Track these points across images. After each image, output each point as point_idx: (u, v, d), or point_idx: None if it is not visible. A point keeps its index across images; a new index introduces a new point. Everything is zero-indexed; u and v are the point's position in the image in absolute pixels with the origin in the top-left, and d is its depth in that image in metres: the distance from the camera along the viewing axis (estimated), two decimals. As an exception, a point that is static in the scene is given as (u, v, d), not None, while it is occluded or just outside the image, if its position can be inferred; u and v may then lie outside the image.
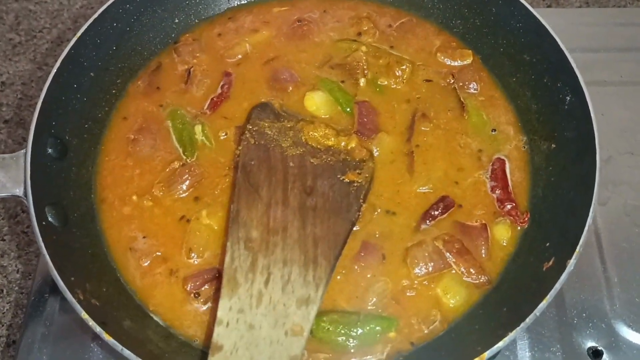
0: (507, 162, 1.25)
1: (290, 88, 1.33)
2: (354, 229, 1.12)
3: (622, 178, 1.37)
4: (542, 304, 0.98)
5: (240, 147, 1.19)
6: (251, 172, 1.12)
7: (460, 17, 1.37)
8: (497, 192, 1.21)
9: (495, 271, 1.15)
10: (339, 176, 1.16)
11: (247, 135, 1.20)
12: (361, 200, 1.14)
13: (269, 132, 1.21)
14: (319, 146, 1.20)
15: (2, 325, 1.33)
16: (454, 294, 1.12)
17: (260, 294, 0.98)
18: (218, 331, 0.94)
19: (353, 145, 1.21)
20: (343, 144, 1.21)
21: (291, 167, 1.14)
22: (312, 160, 1.17)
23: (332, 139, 1.22)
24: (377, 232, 1.16)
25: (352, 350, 1.07)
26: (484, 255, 1.15)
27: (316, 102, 1.31)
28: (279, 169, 1.14)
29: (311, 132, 1.21)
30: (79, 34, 1.23)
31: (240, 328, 0.94)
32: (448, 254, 1.14)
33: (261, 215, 1.06)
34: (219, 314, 0.95)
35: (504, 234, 1.18)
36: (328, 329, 1.07)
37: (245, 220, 1.05)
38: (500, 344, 0.96)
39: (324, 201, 1.10)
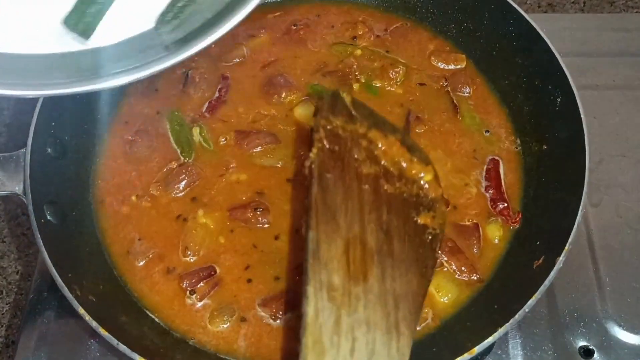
0: (501, 163, 1.26)
1: (284, 94, 1.34)
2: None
3: (614, 180, 1.38)
4: (531, 300, 1.00)
5: (313, 150, 0.93)
6: (328, 189, 0.89)
7: (453, 22, 1.39)
8: (490, 191, 1.23)
9: (487, 269, 1.16)
10: (413, 216, 0.97)
11: (322, 135, 0.94)
12: (437, 254, 0.97)
13: (342, 135, 0.96)
14: (392, 168, 0.98)
15: (2, 326, 1.34)
16: (446, 292, 1.13)
17: None
18: None
19: (429, 178, 1.01)
20: (420, 174, 1.01)
21: (367, 191, 0.92)
22: (385, 187, 0.95)
23: (407, 163, 1.00)
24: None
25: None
26: (476, 254, 1.17)
27: (304, 113, 1.32)
28: (355, 190, 0.92)
29: (385, 147, 0.99)
30: (79, 36, 1.25)
31: None
32: (440, 252, 1.15)
33: (341, 254, 0.86)
34: None
35: (496, 233, 1.19)
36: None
37: (326, 258, 0.84)
38: (490, 339, 0.98)
39: (401, 247, 0.91)
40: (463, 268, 1.14)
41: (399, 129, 1.06)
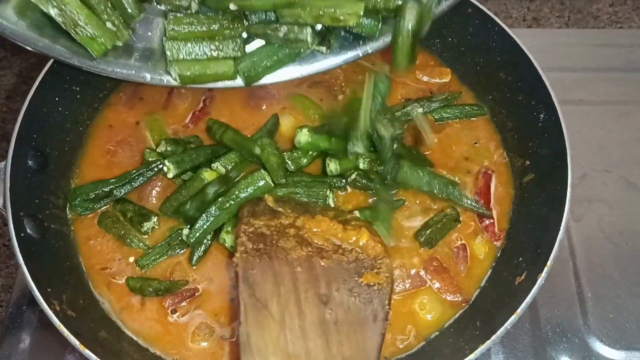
0: (493, 177, 1.27)
1: (264, 106, 1.34)
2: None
3: (597, 195, 1.39)
4: (513, 317, 1.00)
5: (236, 255, 0.99)
6: (255, 283, 0.94)
7: (438, 36, 1.39)
8: (479, 203, 1.24)
9: (472, 288, 1.17)
10: (356, 279, 0.99)
11: (243, 239, 1.01)
12: (387, 307, 0.97)
13: (267, 232, 1.03)
14: (326, 245, 1.03)
15: (-20, 339, 1.33)
16: (430, 310, 1.14)
17: None
18: None
19: (365, 240, 1.05)
20: (353, 239, 1.05)
21: (299, 272, 0.97)
22: (322, 263, 1.00)
23: (340, 234, 1.05)
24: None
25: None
26: (463, 274, 1.17)
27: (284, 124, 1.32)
28: (286, 276, 0.96)
29: (315, 229, 1.05)
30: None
31: None
32: (424, 272, 1.16)
33: (276, 338, 0.88)
34: None
35: (482, 249, 1.20)
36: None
37: (260, 346, 0.87)
38: (472, 356, 0.98)
39: (345, 311, 0.94)
40: (447, 287, 1.15)
41: (329, 207, 1.16)
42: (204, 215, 1.14)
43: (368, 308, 0.95)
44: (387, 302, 0.98)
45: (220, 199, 1.15)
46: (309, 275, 0.97)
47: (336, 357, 0.88)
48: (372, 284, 0.99)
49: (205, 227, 1.15)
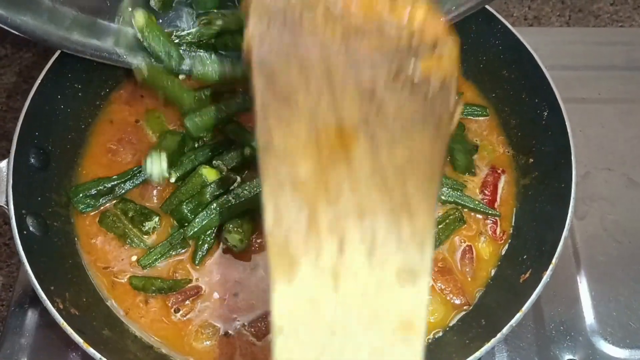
0: (502, 177, 1.27)
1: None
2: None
3: (600, 193, 1.38)
4: (518, 315, 0.99)
5: (246, 33, 0.74)
6: (274, 73, 0.71)
7: (441, 34, 1.39)
8: (484, 201, 1.24)
9: (477, 289, 1.16)
10: (409, 66, 0.73)
11: (255, 11, 0.74)
12: (452, 100, 0.74)
13: (288, 7, 0.75)
14: (368, 24, 0.75)
15: (-18, 338, 1.32)
16: (433, 311, 1.13)
17: (335, 272, 0.61)
18: (282, 345, 0.59)
19: (422, 14, 0.76)
20: (404, 16, 0.76)
21: (333, 58, 0.72)
22: (363, 47, 0.73)
23: (386, 9, 0.76)
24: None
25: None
26: (468, 276, 1.17)
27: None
28: (315, 61, 0.72)
29: (353, 2, 0.76)
30: (63, 46, 1.24)
31: (319, 334, 0.59)
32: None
33: (307, 139, 0.68)
34: (276, 315, 0.60)
35: (486, 250, 1.20)
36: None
37: (284, 149, 0.67)
38: (477, 354, 0.97)
39: (397, 109, 0.71)
40: (451, 289, 1.14)
41: None
42: (204, 211, 1.14)
43: (426, 105, 0.73)
44: (452, 94, 0.75)
45: (222, 198, 1.15)
46: (347, 62, 0.73)
47: (386, 166, 0.68)
48: (430, 72, 0.74)
49: (204, 222, 1.14)
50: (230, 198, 1.15)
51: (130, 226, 1.19)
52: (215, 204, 1.15)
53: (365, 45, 0.74)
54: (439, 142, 0.71)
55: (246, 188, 1.16)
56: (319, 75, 0.71)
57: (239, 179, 1.19)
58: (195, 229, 1.15)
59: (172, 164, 1.18)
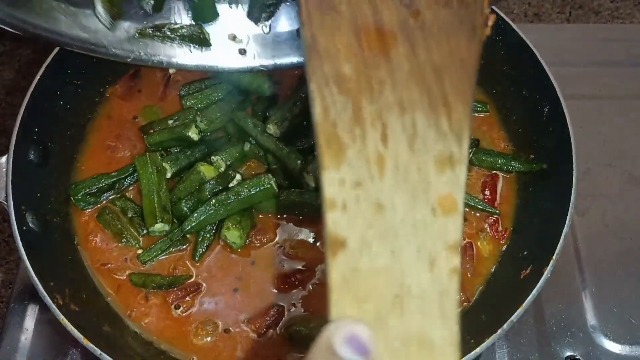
0: (500, 177, 1.26)
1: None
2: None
3: (601, 189, 1.38)
4: (519, 311, 0.99)
5: None
6: None
7: (441, 30, 1.39)
8: (485, 200, 1.24)
9: (476, 285, 1.16)
10: None
11: None
12: (486, 9, 0.79)
13: None
14: None
15: (-19, 335, 1.32)
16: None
17: (379, 157, 0.67)
18: (333, 218, 0.64)
19: None
20: None
21: None
22: None
23: None
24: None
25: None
26: (469, 273, 1.17)
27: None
28: None
29: None
30: (62, 42, 1.24)
31: (365, 210, 0.64)
32: None
33: (350, 42, 0.73)
34: (327, 193, 0.65)
35: (486, 247, 1.19)
36: (307, 334, 1.08)
37: (329, 49, 0.72)
38: (478, 350, 0.97)
39: (434, 14, 0.76)
40: None
41: None
42: (202, 207, 1.14)
43: (461, 9, 0.77)
44: (485, 2, 0.79)
45: (222, 195, 1.15)
46: None
47: (425, 65, 0.73)
48: None
49: (202, 218, 1.15)
50: (230, 195, 1.15)
51: (127, 225, 1.18)
52: (214, 200, 1.15)
53: None
54: (474, 45, 0.76)
55: (246, 186, 1.15)
56: None
57: (238, 175, 1.19)
58: (193, 224, 1.15)
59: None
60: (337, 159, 0.67)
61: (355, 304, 0.60)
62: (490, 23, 0.79)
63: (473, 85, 0.73)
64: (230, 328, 1.10)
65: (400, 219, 0.64)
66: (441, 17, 0.77)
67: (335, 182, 0.66)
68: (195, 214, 1.15)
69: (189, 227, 1.15)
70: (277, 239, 1.19)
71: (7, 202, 1.07)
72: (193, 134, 1.22)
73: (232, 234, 1.14)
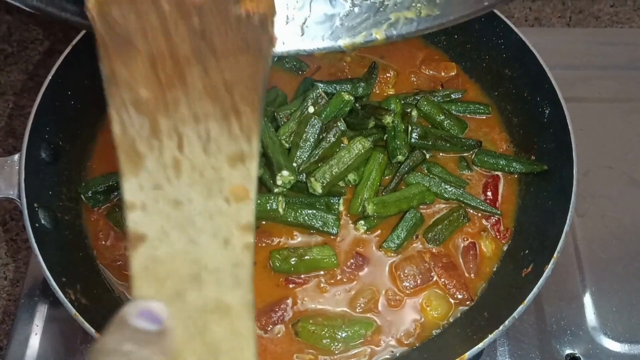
0: (501, 177, 1.29)
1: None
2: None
3: (601, 191, 1.40)
4: (521, 307, 1.01)
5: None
6: (115, 21, 0.82)
7: (444, 33, 1.41)
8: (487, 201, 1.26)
9: (479, 284, 1.18)
10: (232, 7, 0.87)
11: None
12: (271, 32, 0.88)
13: None
14: None
15: (-10, 332, 1.34)
16: (437, 306, 1.15)
17: (176, 162, 0.76)
18: (134, 219, 0.73)
19: None
20: None
21: (166, 8, 0.85)
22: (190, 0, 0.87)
23: None
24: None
25: (336, 352, 1.09)
26: (472, 273, 1.19)
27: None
28: (151, 12, 0.84)
29: None
30: (73, 42, 1.25)
31: (164, 207, 0.74)
32: (433, 268, 1.18)
33: (147, 71, 0.80)
34: (127, 197, 0.73)
35: (488, 247, 1.21)
36: (313, 330, 1.09)
37: (126, 79, 0.79)
38: (480, 345, 0.99)
39: (223, 40, 0.85)
40: (454, 284, 1.16)
41: None
42: None
43: (249, 35, 0.86)
44: (270, 26, 0.88)
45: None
46: (178, 10, 0.85)
47: (216, 83, 0.81)
48: (251, 11, 0.88)
49: None
50: None
51: None
52: None
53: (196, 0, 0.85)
54: (261, 62, 0.84)
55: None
56: (154, 23, 0.82)
57: None
58: None
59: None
60: (135, 168, 0.75)
61: (155, 286, 0.68)
62: (274, 43, 0.87)
63: (260, 94, 0.81)
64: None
65: (197, 211, 0.74)
66: (230, 41, 0.84)
67: (134, 187, 0.74)
68: None
69: None
70: (280, 239, 1.20)
71: (20, 199, 1.09)
72: None
73: None
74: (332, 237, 1.18)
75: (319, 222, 1.17)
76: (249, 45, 0.85)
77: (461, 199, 1.23)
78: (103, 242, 1.20)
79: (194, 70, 0.81)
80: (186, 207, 0.74)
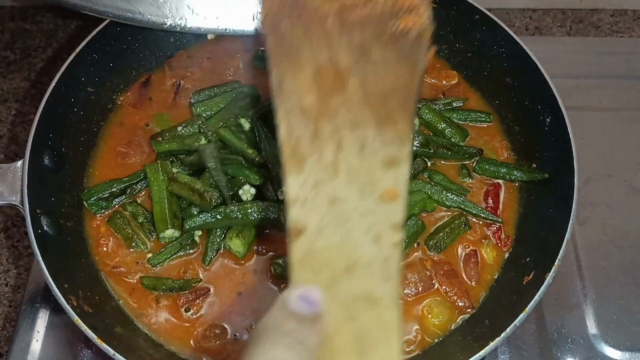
0: (502, 185, 1.29)
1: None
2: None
3: (601, 199, 1.40)
4: (522, 315, 1.01)
5: (261, 10, 0.95)
6: (284, 33, 0.92)
7: (445, 42, 1.42)
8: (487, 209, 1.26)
9: (480, 292, 1.18)
10: (392, 24, 0.93)
11: (267, 4, 0.97)
12: (426, 43, 0.93)
13: None
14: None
15: (-9, 338, 1.34)
16: (438, 314, 1.15)
17: (335, 163, 0.82)
18: (295, 212, 0.78)
19: None
20: None
21: (330, 24, 0.93)
22: (354, 13, 0.94)
23: None
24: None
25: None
26: (473, 281, 1.19)
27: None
28: (316, 27, 0.93)
29: None
30: (77, 50, 1.26)
31: (322, 203, 0.80)
32: (434, 275, 1.18)
33: (311, 79, 0.88)
34: (290, 193, 0.79)
35: (489, 254, 1.22)
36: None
37: (293, 86, 0.87)
38: (481, 353, 0.99)
39: (382, 52, 0.91)
40: (455, 292, 1.17)
41: None
42: (209, 213, 1.18)
43: (405, 49, 0.91)
44: (426, 38, 0.92)
45: (230, 207, 1.18)
46: (342, 27, 0.93)
47: (373, 92, 0.87)
48: (410, 25, 0.93)
49: (204, 222, 1.18)
50: (237, 210, 1.18)
51: (137, 230, 1.21)
52: (221, 209, 1.17)
53: (357, 14, 0.93)
54: (416, 74, 0.89)
55: (255, 207, 1.18)
56: (320, 37, 0.90)
57: (253, 189, 1.21)
58: (194, 225, 1.18)
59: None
60: (298, 167, 0.81)
61: (312, 274, 0.74)
62: (430, 56, 0.90)
63: (414, 103, 0.86)
64: (238, 332, 1.12)
65: (352, 208, 0.79)
66: (388, 54, 0.90)
67: (296, 184, 0.80)
68: (201, 216, 1.18)
69: (188, 226, 1.18)
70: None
71: (22, 205, 1.09)
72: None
73: (235, 243, 1.17)
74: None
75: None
76: (405, 58, 0.90)
77: (462, 206, 1.24)
78: (104, 249, 1.20)
79: (354, 81, 0.87)
80: (342, 204, 0.79)
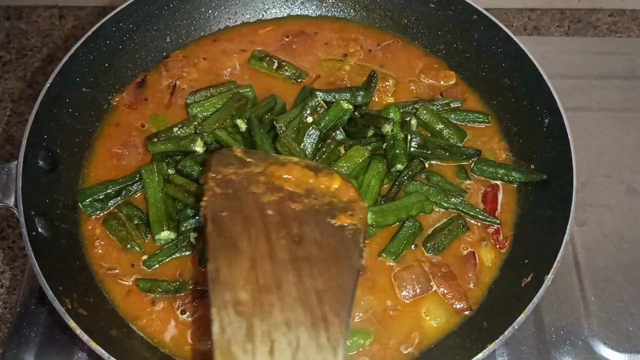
0: (500, 187, 1.28)
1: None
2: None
3: (599, 200, 1.40)
4: (521, 317, 1.01)
5: (204, 199, 0.99)
6: (224, 224, 0.94)
7: (444, 42, 1.41)
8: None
9: (478, 294, 1.17)
10: (328, 220, 1.00)
11: (212, 185, 1.01)
12: (362, 244, 0.98)
13: (236, 179, 1.03)
14: (297, 190, 1.04)
15: (-14, 340, 1.33)
16: (435, 316, 1.14)
17: None
18: None
19: (337, 185, 1.07)
20: (325, 185, 1.06)
21: (270, 215, 0.97)
22: (293, 206, 1.00)
23: (311, 179, 1.06)
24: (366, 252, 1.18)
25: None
26: (472, 283, 1.18)
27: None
28: (256, 218, 0.96)
29: (285, 175, 1.06)
30: (72, 50, 1.26)
31: None
32: (432, 277, 1.17)
33: (247, 273, 0.89)
34: None
35: (488, 256, 1.21)
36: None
37: (229, 280, 0.88)
38: (480, 355, 0.99)
39: (319, 249, 0.94)
40: (453, 294, 1.16)
41: (300, 159, 1.14)
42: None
43: (342, 246, 0.96)
44: (361, 240, 0.98)
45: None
46: (281, 218, 0.97)
47: (309, 290, 0.88)
48: (346, 224, 1.00)
49: (200, 224, 1.18)
50: None
51: (132, 232, 1.20)
52: None
53: (296, 206, 1.00)
54: (351, 273, 0.93)
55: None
56: (258, 229, 0.94)
57: None
58: (189, 227, 1.19)
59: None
60: None
61: None
62: (364, 255, 0.99)
63: (348, 307, 0.89)
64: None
65: None
66: (324, 250, 0.94)
67: None
68: (197, 218, 1.18)
69: (184, 228, 1.18)
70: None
71: (16, 207, 1.09)
72: (199, 147, 1.24)
73: None
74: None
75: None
76: (341, 255, 0.94)
77: (460, 208, 1.23)
78: (99, 251, 1.19)
79: (290, 276, 0.89)
80: None
